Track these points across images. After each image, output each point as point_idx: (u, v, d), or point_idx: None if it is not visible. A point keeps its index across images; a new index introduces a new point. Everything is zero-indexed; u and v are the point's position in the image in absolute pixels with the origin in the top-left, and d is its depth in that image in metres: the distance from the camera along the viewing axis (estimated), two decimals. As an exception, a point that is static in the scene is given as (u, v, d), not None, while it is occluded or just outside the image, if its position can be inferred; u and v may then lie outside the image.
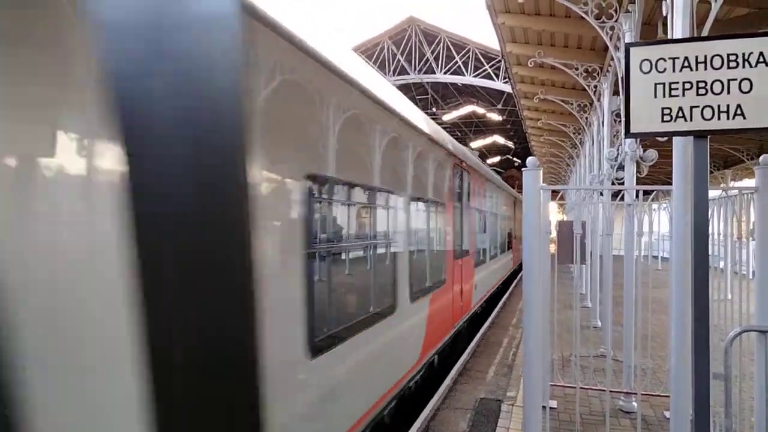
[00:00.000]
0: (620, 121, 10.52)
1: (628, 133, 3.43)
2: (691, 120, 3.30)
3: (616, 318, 8.27)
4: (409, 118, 5.98)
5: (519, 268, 20.75)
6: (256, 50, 2.92)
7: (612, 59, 9.30)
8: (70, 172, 1.55)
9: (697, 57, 3.30)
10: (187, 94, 1.18)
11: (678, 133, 3.41)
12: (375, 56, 35.13)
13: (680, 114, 3.32)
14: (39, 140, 1.46)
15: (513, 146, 53.11)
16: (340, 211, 4.28)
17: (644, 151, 6.83)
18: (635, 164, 6.97)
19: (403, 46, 35.26)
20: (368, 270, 4.93)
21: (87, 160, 1.54)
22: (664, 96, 3.36)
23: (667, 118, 3.35)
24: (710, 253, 3.53)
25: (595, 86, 10.23)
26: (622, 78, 7.38)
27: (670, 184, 4.29)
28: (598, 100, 10.43)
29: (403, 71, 35.17)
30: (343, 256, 4.39)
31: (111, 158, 1.44)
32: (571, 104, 13.04)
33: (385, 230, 5.34)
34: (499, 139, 52.73)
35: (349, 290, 4.60)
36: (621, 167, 7.62)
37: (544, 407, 4.59)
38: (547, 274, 4.95)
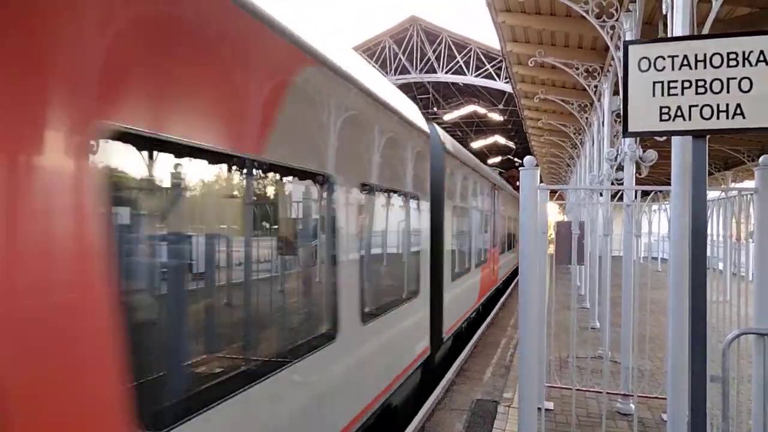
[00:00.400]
0: (620, 121, 10.48)
1: (626, 133, 3.39)
2: (689, 119, 3.25)
3: (614, 319, 8.25)
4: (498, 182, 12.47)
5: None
6: (446, 163, 8.58)
7: (612, 59, 9.25)
8: None
9: (696, 55, 3.25)
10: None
11: (676, 132, 3.36)
12: (376, 55, 35.07)
13: (679, 113, 3.27)
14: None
15: (514, 146, 53.05)
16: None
17: (644, 151, 6.78)
18: (635, 165, 6.93)
19: (404, 45, 35.19)
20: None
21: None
22: (662, 95, 3.31)
23: (665, 117, 3.30)
24: (709, 254, 3.49)
25: (596, 86, 10.19)
26: (621, 77, 7.34)
27: (670, 184, 4.24)
28: (599, 100, 10.39)
29: (404, 71, 35.11)
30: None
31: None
32: (572, 104, 12.99)
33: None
34: (500, 140, 52.66)
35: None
36: (621, 167, 7.57)
37: (539, 408, 4.54)
38: (544, 275, 4.91)
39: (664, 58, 3.32)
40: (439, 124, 12.80)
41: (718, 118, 3.21)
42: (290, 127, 3.43)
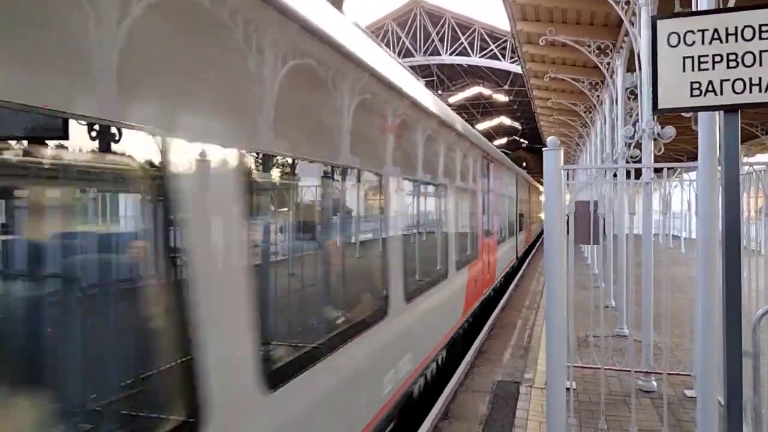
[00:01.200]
0: (634, 99, 10.36)
1: (656, 109, 3.34)
2: (721, 94, 3.20)
3: (630, 296, 8.26)
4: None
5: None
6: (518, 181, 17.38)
7: (626, 35, 9.12)
8: None
9: (727, 29, 3.19)
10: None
11: (708, 108, 3.32)
12: (380, 39, 34.77)
13: (710, 88, 3.22)
14: None
15: (520, 127, 52.69)
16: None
17: (662, 128, 6.71)
18: (653, 142, 6.87)
19: (407, 28, 34.86)
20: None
21: None
22: (693, 70, 3.25)
23: (696, 92, 3.25)
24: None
25: (608, 63, 10.06)
26: (637, 54, 7.24)
27: (681, 161, 4.21)
28: (611, 77, 10.26)
29: (408, 54, 34.82)
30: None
31: None
32: (582, 82, 12.85)
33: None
34: (505, 121, 52.32)
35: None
36: (638, 145, 7.50)
37: (568, 389, 4.56)
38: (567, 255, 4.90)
39: (693, 33, 3.26)
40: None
41: (750, 91, 3.16)
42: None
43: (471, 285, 8.92)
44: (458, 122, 8.27)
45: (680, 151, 22.86)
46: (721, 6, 4.06)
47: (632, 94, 10.38)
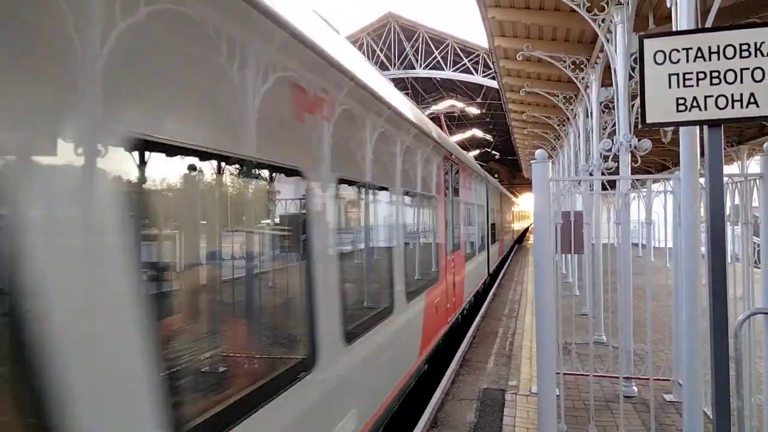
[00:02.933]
0: (608, 112, 10.69)
1: (644, 123, 3.48)
2: (705, 109, 3.38)
3: (604, 304, 8.52)
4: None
5: None
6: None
7: (601, 51, 9.42)
8: None
9: (710, 47, 3.37)
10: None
11: (693, 122, 3.48)
12: (354, 51, 34.96)
13: (695, 104, 3.39)
14: None
15: (492, 139, 53.52)
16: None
17: (639, 140, 6.94)
18: (629, 154, 7.10)
19: (382, 41, 35.21)
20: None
21: None
22: (678, 86, 3.42)
23: (681, 108, 3.42)
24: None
25: (583, 78, 10.36)
26: (614, 69, 7.49)
27: (651, 172, 4.40)
28: (585, 91, 10.57)
29: (383, 67, 35.13)
30: None
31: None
32: (557, 96, 13.19)
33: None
34: (477, 133, 53.09)
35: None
36: (613, 158, 7.74)
37: (558, 396, 4.66)
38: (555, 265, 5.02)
39: (678, 51, 3.43)
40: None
41: (732, 107, 3.34)
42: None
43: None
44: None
45: (650, 162, 23.60)
46: (699, 24, 4.27)
47: (606, 107, 10.72)
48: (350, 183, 4.42)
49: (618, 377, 5.25)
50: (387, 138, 5.49)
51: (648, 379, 6.38)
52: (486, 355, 8.64)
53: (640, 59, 3.49)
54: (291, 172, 3.34)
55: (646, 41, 3.49)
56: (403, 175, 6.08)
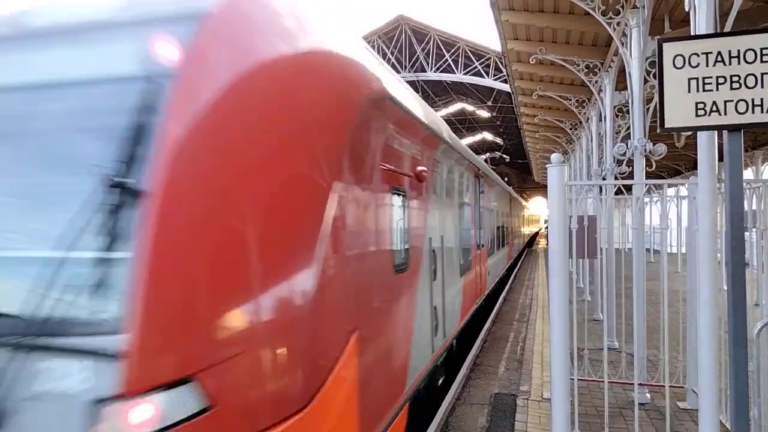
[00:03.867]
0: (622, 116, 10.62)
1: (663, 128, 3.45)
2: (725, 114, 3.34)
3: (617, 310, 8.44)
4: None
5: None
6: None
7: (615, 54, 9.36)
8: None
9: (730, 52, 3.33)
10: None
11: (712, 127, 3.44)
12: (365, 54, 35.01)
13: (714, 108, 3.36)
14: None
15: (502, 143, 53.37)
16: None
17: (654, 144, 6.89)
18: (644, 158, 7.04)
19: (393, 44, 35.25)
20: None
21: None
22: (697, 90, 3.39)
23: (701, 112, 3.38)
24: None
25: (596, 81, 10.30)
26: (629, 73, 7.44)
27: (663, 177, 4.35)
28: (599, 95, 10.51)
29: (395, 69, 35.11)
30: None
31: None
32: (570, 100, 13.12)
33: None
34: (488, 136, 52.98)
35: None
36: (629, 162, 7.69)
37: (572, 402, 4.62)
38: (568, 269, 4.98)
39: (698, 55, 3.39)
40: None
41: (753, 112, 3.30)
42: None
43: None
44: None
45: (662, 167, 23.40)
46: (718, 27, 4.22)
47: (620, 111, 10.64)
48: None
49: (632, 383, 5.18)
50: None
51: (662, 386, 6.33)
52: (497, 359, 8.59)
53: (659, 63, 3.46)
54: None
55: (665, 45, 3.46)
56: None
